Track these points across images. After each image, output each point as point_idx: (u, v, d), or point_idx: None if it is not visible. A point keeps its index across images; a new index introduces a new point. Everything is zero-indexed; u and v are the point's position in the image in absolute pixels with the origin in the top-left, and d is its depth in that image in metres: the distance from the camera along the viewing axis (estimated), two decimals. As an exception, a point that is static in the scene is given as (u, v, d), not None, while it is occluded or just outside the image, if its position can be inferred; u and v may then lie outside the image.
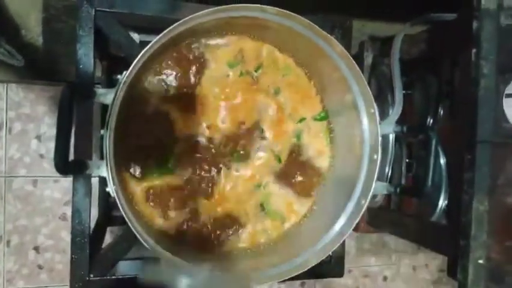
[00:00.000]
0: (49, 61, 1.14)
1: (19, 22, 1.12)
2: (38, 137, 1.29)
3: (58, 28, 1.14)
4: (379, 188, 0.74)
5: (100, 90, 0.61)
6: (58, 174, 1.27)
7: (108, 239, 1.00)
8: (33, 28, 1.14)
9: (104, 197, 1.01)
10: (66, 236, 1.32)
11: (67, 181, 1.30)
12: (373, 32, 1.28)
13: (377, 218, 1.07)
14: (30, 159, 1.29)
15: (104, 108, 0.69)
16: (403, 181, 1.04)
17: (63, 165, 0.53)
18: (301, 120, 0.81)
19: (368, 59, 1.13)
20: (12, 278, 1.29)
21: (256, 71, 0.78)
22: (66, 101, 0.54)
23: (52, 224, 1.31)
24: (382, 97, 1.04)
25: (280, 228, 0.80)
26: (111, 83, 0.94)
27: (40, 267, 1.31)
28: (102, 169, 0.60)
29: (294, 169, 0.80)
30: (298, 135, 0.81)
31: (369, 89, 0.69)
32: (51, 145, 1.30)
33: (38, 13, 1.13)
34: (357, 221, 0.69)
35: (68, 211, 1.31)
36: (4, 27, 1.08)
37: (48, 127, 1.30)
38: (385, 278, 1.67)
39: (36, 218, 1.30)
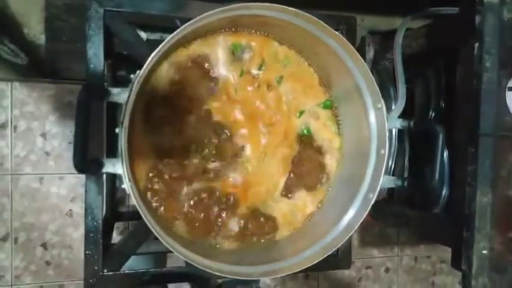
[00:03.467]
0: (51, 59, 1.14)
1: (21, 21, 1.12)
2: (43, 135, 1.30)
3: (59, 26, 1.13)
4: (386, 182, 0.75)
5: (114, 90, 0.62)
6: (64, 171, 1.30)
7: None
8: (35, 26, 1.13)
9: (112, 193, 1.02)
10: (73, 232, 1.33)
11: (73, 178, 1.32)
12: (373, 27, 1.28)
13: (380, 211, 1.08)
14: (36, 157, 1.30)
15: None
16: (406, 174, 1.05)
17: (82, 165, 0.54)
18: (301, 113, 0.81)
19: (370, 53, 1.13)
20: (20, 275, 1.30)
21: (259, 69, 0.78)
22: (83, 102, 0.55)
23: (59, 221, 1.33)
24: (383, 91, 1.05)
25: (304, 211, 0.82)
26: (116, 81, 0.95)
27: (48, 263, 1.32)
28: (117, 167, 0.61)
29: (305, 160, 0.82)
30: (307, 128, 0.82)
31: (376, 85, 0.70)
32: (56, 143, 1.31)
33: (39, 12, 1.13)
34: (365, 214, 0.71)
35: (75, 207, 1.33)
36: (7, 26, 1.08)
37: (53, 125, 1.30)
38: (387, 269, 1.70)
39: (43, 215, 1.31)
